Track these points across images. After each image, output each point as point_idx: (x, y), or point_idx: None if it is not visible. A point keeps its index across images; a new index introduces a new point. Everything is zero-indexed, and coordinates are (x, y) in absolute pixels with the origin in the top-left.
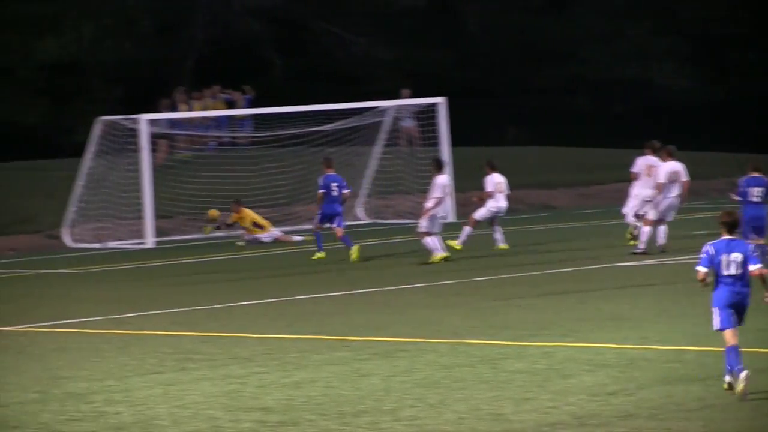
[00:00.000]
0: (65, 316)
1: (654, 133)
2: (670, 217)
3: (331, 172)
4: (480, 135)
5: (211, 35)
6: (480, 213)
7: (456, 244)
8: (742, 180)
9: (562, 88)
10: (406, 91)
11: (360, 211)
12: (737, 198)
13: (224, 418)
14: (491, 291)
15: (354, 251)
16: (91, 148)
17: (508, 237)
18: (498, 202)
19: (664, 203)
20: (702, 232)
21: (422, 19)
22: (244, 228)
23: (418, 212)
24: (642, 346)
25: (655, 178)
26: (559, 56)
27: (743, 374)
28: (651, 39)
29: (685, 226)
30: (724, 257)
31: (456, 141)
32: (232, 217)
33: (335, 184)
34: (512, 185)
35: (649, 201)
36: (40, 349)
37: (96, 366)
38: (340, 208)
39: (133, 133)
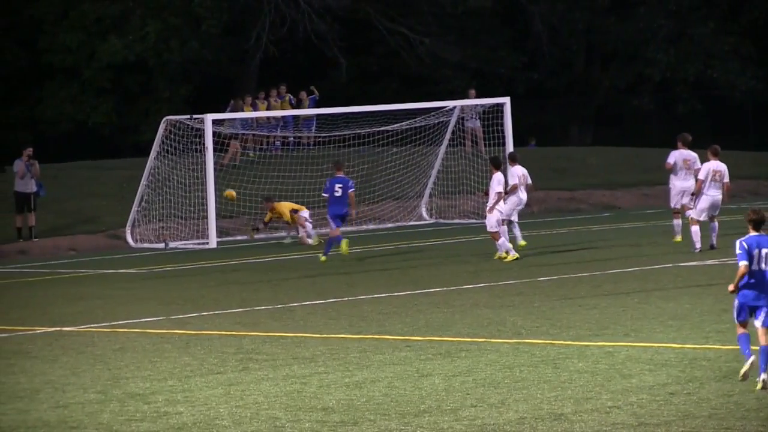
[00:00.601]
0: (126, 316)
1: (717, 132)
2: (713, 213)
3: (340, 175)
4: (544, 135)
5: (278, 35)
6: (505, 209)
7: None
8: None
9: (626, 89)
10: (472, 92)
11: (423, 210)
12: None
13: (285, 418)
14: (553, 291)
15: (343, 244)
16: (155, 148)
17: (571, 237)
18: (520, 195)
19: (705, 202)
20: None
21: (488, 19)
22: (286, 222)
23: (481, 212)
24: (703, 346)
25: (698, 175)
26: (624, 56)
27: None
28: (715, 39)
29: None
30: (755, 252)
31: (520, 141)
32: (267, 216)
33: (339, 185)
34: (575, 185)
35: (686, 193)
36: (100, 349)
37: (157, 366)
38: (346, 210)
39: (198, 133)
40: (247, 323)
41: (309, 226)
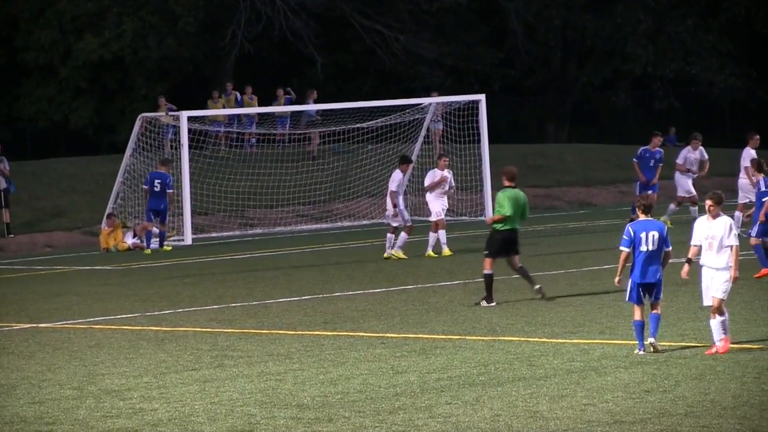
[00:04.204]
0: (102, 313)
1: (694, 129)
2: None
3: (162, 170)
4: (520, 132)
5: (253, 32)
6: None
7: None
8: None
9: (603, 86)
10: (435, 93)
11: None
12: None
13: (260, 414)
14: (529, 288)
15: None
16: (131, 145)
17: (547, 234)
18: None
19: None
20: (741, 229)
21: (464, 16)
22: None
23: (458, 210)
24: (678, 344)
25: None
26: (601, 53)
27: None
28: (694, 36)
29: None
30: (642, 235)
31: (496, 138)
32: (108, 231)
33: (158, 181)
34: (551, 183)
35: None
36: (77, 346)
37: (132, 363)
38: (164, 205)
39: (173, 130)
40: (222, 320)
41: (133, 241)
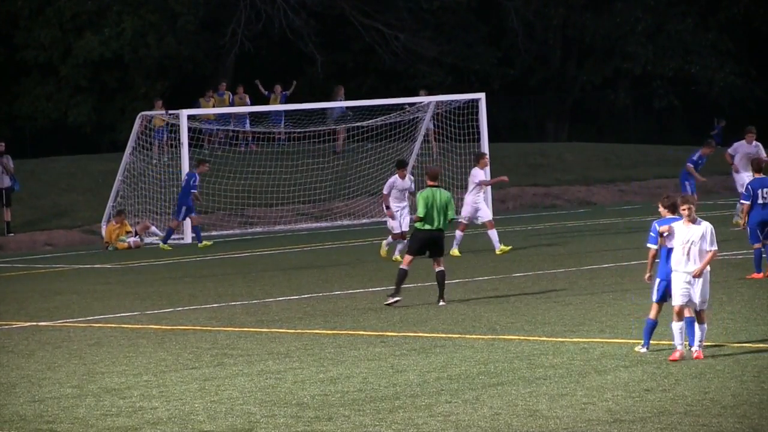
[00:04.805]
0: (102, 311)
1: (693, 128)
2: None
3: (194, 171)
4: (520, 131)
5: (253, 31)
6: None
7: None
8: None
9: (602, 84)
10: (423, 91)
11: None
12: (744, 202)
13: (260, 413)
14: (529, 287)
15: (164, 246)
16: (130, 143)
17: (547, 232)
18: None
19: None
20: (736, 228)
21: (464, 15)
22: (127, 233)
23: (457, 208)
24: None
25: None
26: (600, 52)
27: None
28: (694, 35)
29: (725, 221)
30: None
31: (496, 137)
32: (123, 228)
33: (185, 178)
34: (551, 181)
35: None
36: (77, 344)
37: (132, 361)
38: (181, 201)
39: (173, 128)
40: (222, 318)
41: (133, 240)
